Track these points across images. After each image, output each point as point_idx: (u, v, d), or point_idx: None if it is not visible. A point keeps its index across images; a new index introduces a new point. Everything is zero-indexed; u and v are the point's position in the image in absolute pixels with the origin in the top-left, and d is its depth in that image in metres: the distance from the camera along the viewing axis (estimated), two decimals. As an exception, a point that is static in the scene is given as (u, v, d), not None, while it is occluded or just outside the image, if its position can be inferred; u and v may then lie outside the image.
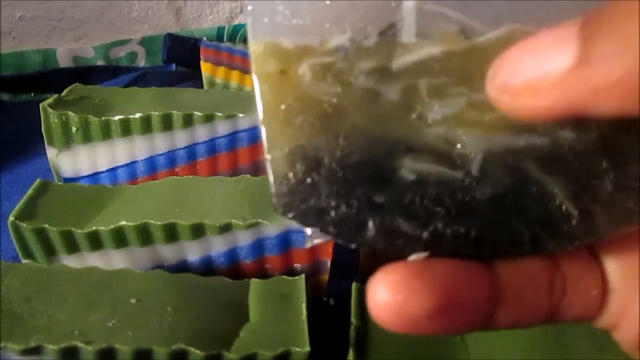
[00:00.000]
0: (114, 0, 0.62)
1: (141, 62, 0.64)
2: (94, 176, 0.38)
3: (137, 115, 0.36)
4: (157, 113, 0.36)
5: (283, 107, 0.13)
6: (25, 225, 0.28)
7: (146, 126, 0.36)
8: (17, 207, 0.29)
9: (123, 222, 0.29)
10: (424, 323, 0.12)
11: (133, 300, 0.24)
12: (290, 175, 0.13)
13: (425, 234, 0.13)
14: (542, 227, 0.13)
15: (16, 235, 0.29)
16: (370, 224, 0.13)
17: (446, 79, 0.13)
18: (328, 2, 0.12)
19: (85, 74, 0.58)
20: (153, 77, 0.58)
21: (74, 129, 0.36)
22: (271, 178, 0.13)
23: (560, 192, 0.13)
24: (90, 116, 0.36)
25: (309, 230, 0.13)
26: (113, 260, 0.30)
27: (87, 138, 0.36)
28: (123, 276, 0.26)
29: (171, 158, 0.38)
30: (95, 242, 0.29)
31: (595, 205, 0.13)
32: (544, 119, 0.12)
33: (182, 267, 0.31)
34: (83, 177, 0.38)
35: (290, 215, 0.13)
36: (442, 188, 0.13)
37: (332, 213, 0.13)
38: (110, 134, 0.36)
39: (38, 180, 0.32)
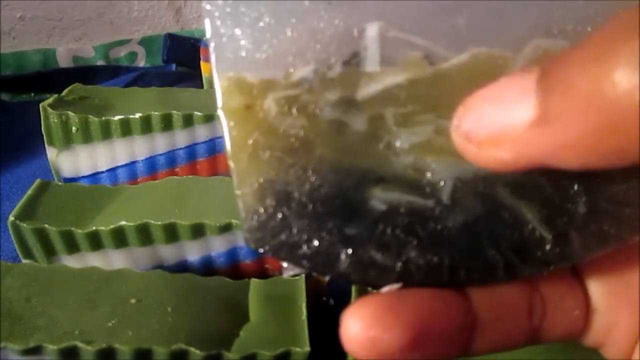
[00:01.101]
0: (114, 0, 0.62)
1: (141, 62, 0.64)
2: (94, 176, 0.38)
3: (137, 115, 0.36)
4: (157, 113, 0.36)
5: (250, 142, 0.12)
6: (25, 225, 0.28)
7: (146, 126, 0.36)
8: (17, 207, 0.29)
9: (123, 222, 0.29)
10: (398, 356, 0.12)
11: (133, 300, 0.24)
12: (261, 210, 0.13)
13: (398, 265, 0.13)
14: (516, 253, 0.13)
15: (16, 235, 0.29)
16: (343, 256, 0.13)
17: (412, 107, 0.12)
18: (290, 35, 0.12)
19: (85, 74, 0.58)
20: (153, 77, 0.58)
21: (74, 129, 0.36)
22: (242, 213, 0.13)
23: (533, 217, 0.13)
24: (90, 116, 0.36)
25: (284, 263, 0.13)
26: (113, 260, 0.30)
27: (87, 138, 0.36)
28: (123, 276, 0.26)
29: (171, 158, 0.38)
30: (95, 242, 0.29)
31: (569, 229, 0.13)
32: (510, 170, 0.12)
33: (182, 267, 0.31)
34: (83, 177, 0.38)
35: (262, 250, 0.13)
36: (413, 217, 0.13)
37: (304, 247, 0.13)
38: (110, 134, 0.36)
39: (38, 180, 0.32)
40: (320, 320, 0.26)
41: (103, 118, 0.36)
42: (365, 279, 0.13)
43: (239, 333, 0.24)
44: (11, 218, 0.29)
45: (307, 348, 0.23)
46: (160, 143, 0.37)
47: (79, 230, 0.29)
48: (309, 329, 0.24)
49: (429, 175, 0.13)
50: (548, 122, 0.10)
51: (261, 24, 0.12)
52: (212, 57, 0.12)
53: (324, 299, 0.32)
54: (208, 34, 0.12)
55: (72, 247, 0.29)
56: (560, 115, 0.10)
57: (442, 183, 0.13)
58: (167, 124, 0.36)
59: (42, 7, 0.59)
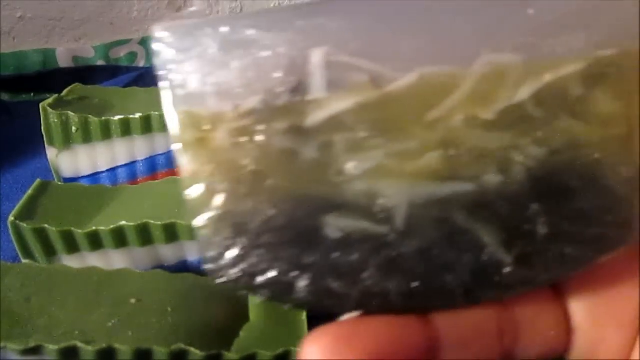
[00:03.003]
0: (114, 0, 0.62)
1: (141, 62, 0.64)
2: (94, 176, 0.38)
3: (137, 115, 0.36)
4: (157, 113, 0.36)
5: (205, 174, 0.12)
6: (25, 225, 0.28)
7: (146, 126, 0.36)
8: (17, 207, 0.29)
9: (123, 222, 0.29)
10: None
11: (133, 300, 0.24)
12: (218, 241, 0.13)
13: (354, 293, 0.13)
14: (474, 278, 0.13)
15: (16, 235, 0.29)
16: (300, 285, 0.13)
17: (362, 132, 0.12)
18: (237, 66, 0.12)
19: (85, 74, 0.58)
20: (153, 77, 0.58)
21: (74, 129, 0.36)
22: (201, 245, 0.13)
23: (491, 240, 0.12)
24: (90, 116, 0.36)
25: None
26: (113, 260, 0.30)
27: (87, 138, 0.36)
28: (123, 276, 0.26)
29: (171, 158, 0.38)
30: (95, 242, 0.29)
31: (529, 252, 0.13)
32: None
33: (182, 267, 0.31)
34: (83, 177, 0.38)
35: (222, 280, 0.13)
36: (368, 244, 0.12)
37: (262, 277, 0.13)
38: (110, 134, 0.36)
39: (38, 180, 0.32)
40: (320, 320, 0.26)
41: (103, 118, 0.36)
42: (323, 308, 0.13)
43: (239, 333, 0.24)
44: (11, 218, 0.29)
45: (307, 348, 0.23)
46: (160, 143, 0.37)
47: (79, 230, 0.29)
48: (309, 329, 0.24)
49: (382, 200, 0.12)
50: None
51: (209, 56, 0.12)
52: (163, 93, 0.13)
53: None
54: (158, 68, 0.12)
55: (72, 247, 0.29)
56: None
57: (395, 208, 0.12)
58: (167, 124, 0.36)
59: (42, 7, 0.59)
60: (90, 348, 0.22)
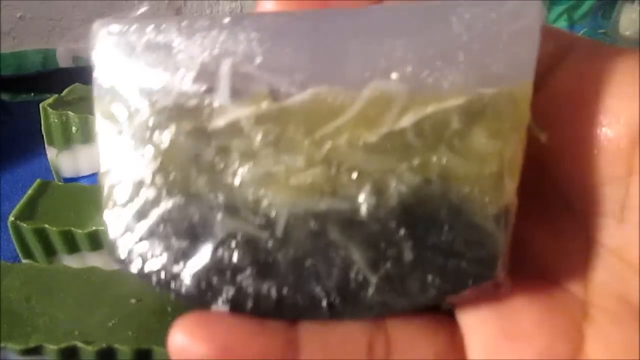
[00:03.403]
0: (114, 0, 0.63)
1: (141, 62, 0.64)
2: (94, 176, 0.38)
3: (137, 115, 0.36)
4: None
5: (118, 163, 0.14)
6: (25, 225, 0.28)
7: (146, 126, 0.36)
8: (17, 207, 0.29)
9: (123, 222, 0.29)
10: None
11: (133, 300, 0.24)
12: (119, 226, 0.14)
13: (230, 290, 0.13)
14: (339, 293, 0.13)
15: (16, 235, 0.29)
16: (185, 277, 0.14)
17: (256, 141, 0.13)
18: (157, 65, 0.13)
19: (85, 74, 0.58)
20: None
21: (74, 129, 0.36)
22: (105, 227, 0.14)
23: (359, 259, 0.13)
24: (90, 116, 0.36)
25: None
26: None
27: (87, 138, 0.36)
28: (123, 276, 0.26)
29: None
30: (95, 242, 0.29)
31: (393, 275, 0.13)
32: None
33: (182, 267, 0.31)
34: (83, 177, 0.38)
35: (120, 262, 0.14)
36: (249, 247, 0.13)
37: (153, 263, 0.14)
38: (110, 134, 0.36)
39: (38, 180, 0.32)
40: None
41: (103, 118, 0.36)
42: (202, 300, 0.14)
43: (239, 333, 0.24)
44: (11, 218, 0.29)
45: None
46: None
47: (79, 230, 0.29)
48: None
49: (266, 208, 0.13)
50: None
51: (133, 55, 0.13)
52: (93, 85, 0.14)
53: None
54: (92, 63, 0.14)
55: (72, 247, 0.29)
56: None
57: (276, 216, 0.13)
58: (167, 124, 0.36)
59: (42, 7, 0.59)
60: (90, 348, 0.22)
